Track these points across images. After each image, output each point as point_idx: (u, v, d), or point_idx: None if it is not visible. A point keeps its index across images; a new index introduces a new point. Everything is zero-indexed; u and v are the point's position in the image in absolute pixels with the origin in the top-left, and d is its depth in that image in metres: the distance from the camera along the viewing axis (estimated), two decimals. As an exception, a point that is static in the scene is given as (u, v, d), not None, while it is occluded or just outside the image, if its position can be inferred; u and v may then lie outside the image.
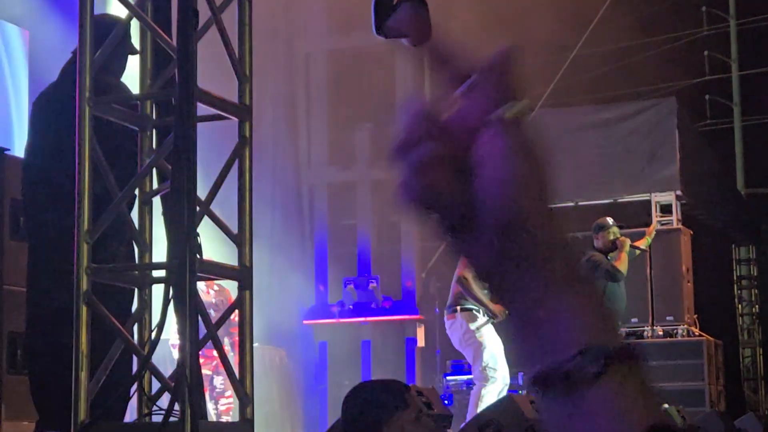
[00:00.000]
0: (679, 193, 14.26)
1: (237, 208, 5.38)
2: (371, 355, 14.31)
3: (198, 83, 4.98)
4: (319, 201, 15.40)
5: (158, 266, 5.35)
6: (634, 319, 13.26)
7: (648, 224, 14.02)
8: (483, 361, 9.25)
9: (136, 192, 5.63)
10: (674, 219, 14.17)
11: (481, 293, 9.28)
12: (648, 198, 14.44)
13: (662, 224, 14.15)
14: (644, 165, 14.46)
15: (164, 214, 5.45)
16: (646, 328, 13.27)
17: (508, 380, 9.36)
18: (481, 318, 9.39)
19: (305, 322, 14.81)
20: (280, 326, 13.56)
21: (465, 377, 12.84)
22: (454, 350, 10.18)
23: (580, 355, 1.06)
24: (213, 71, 5.68)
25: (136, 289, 5.70)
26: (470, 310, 9.39)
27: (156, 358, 5.25)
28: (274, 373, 12.81)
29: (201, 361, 7.26)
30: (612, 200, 14.72)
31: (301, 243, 14.91)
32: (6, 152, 7.09)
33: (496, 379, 9.19)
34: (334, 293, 14.84)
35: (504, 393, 9.05)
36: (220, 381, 10.77)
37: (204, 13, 5.17)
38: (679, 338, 13.15)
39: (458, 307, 9.46)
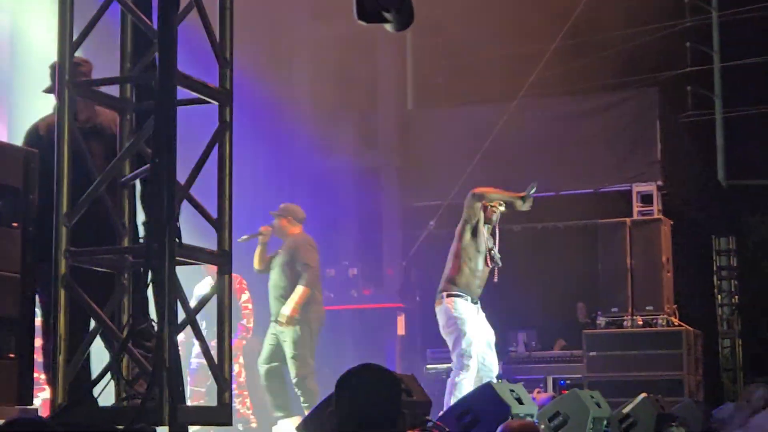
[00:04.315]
0: (660, 183, 14.28)
1: (216, 193, 5.36)
2: (351, 342, 14.28)
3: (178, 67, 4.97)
4: (300, 189, 15.36)
5: (137, 250, 5.33)
6: (614, 309, 13.30)
7: (630, 214, 14.07)
8: (460, 349, 9.28)
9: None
10: (655, 209, 14.20)
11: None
12: (629, 188, 14.47)
13: (643, 214, 14.19)
14: (625, 155, 14.48)
15: (143, 197, 5.43)
16: (625, 317, 13.30)
17: (474, 370, 9.29)
18: (469, 305, 9.37)
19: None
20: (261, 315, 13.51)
21: (445, 366, 12.87)
22: (435, 338, 10.17)
23: None
24: (186, 55, 5.66)
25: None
26: (457, 296, 9.38)
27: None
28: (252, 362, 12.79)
29: None
30: (593, 190, 14.75)
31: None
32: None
33: (470, 367, 9.22)
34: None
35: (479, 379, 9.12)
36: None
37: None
38: (659, 328, 13.18)
39: (445, 294, 9.43)
